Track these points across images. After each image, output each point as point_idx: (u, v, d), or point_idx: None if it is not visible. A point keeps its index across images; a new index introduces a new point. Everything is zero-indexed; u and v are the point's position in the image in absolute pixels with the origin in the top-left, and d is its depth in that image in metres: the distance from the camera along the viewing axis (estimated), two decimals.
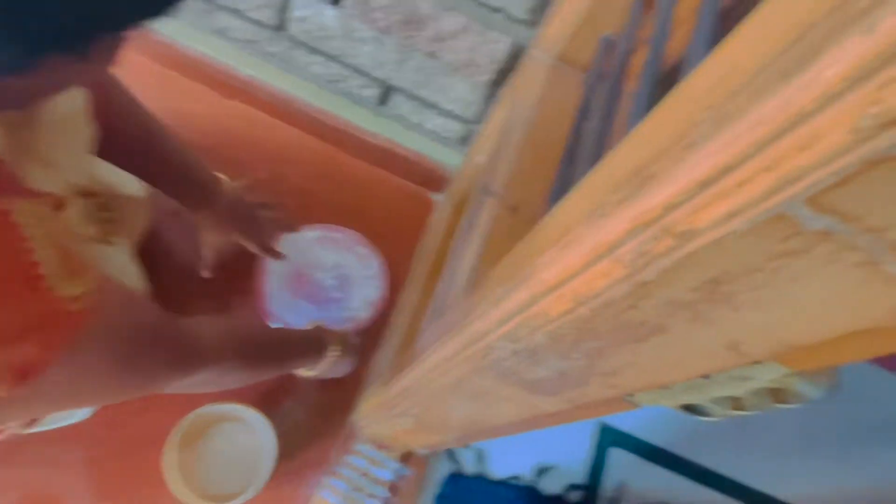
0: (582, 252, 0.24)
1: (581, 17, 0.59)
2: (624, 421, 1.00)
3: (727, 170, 0.17)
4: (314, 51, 0.88)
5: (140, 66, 0.99)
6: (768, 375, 0.27)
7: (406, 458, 0.85)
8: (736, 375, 0.28)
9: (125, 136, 0.67)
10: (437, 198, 1.05)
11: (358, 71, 0.89)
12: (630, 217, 0.21)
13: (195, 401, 0.80)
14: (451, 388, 0.45)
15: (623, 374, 0.29)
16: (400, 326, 0.87)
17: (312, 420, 0.87)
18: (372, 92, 0.92)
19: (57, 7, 0.27)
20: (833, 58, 0.13)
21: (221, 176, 0.78)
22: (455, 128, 0.93)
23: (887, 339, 0.19)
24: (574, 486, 0.94)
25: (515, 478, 0.92)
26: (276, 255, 0.86)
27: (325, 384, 0.90)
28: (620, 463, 0.97)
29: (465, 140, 0.95)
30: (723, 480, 0.99)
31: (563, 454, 0.96)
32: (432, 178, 1.02)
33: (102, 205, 0.64)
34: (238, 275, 0.92)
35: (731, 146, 0.16)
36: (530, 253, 0.29)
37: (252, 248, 0.83)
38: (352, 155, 1.01)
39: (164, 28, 0.95)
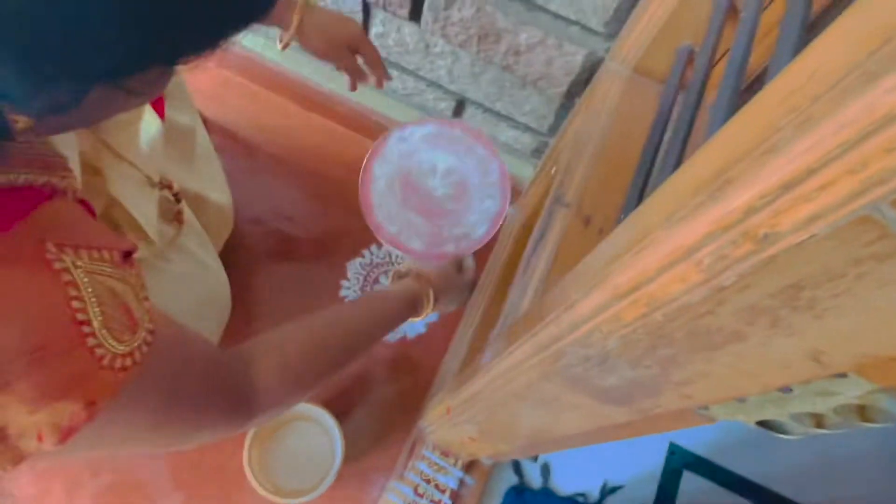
0: (658, 256, 0.24)
1: (658, 28, 0.59)
2: (696, 443, 0.96)
3: (810, 172, 0.17)
4: (391, 65, 0.91)
5: (226, 80, 1.05)
6: (854, 391, 0.26)
7: (470, 466, 0.86)
8: (818, 390, 0.28)
9: None
10: (509, 210, 1.05)
11: (433, 84, 0.91)
12: (709, 221, 0.21)
13: None
14: (519, 395, 0.45)
15: (697, 383, 0.29)
16: (467, 334, 0.88)
17: (381, 423, 0.89)
18: (447, 105, 0.94)
19: (111, 42, 0.27)
20: None
21: None
22: (528, 140, 0.94)
23: None
24: None
25: (581, 495, 0.91)
26: (382, 73, 0.76)
27: (394, 388, 0.92)
28: (692, 488, 0.94)
29: (537, 152, 0.96)
30: None
31: (632, 475, 0.93)
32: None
33: (176, 196, 0.68)
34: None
35: (814, 149, 0.16)
36: (605, 258, 0.30)
37: (345, 70, 0.75)
38: None
39: (249, 44, 1.01)
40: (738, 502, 0.94)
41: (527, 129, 0.91)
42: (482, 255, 1.00)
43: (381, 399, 0.91)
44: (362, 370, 0.92)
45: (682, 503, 0.92)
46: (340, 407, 0.88)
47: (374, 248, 0.99)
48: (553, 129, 0.89)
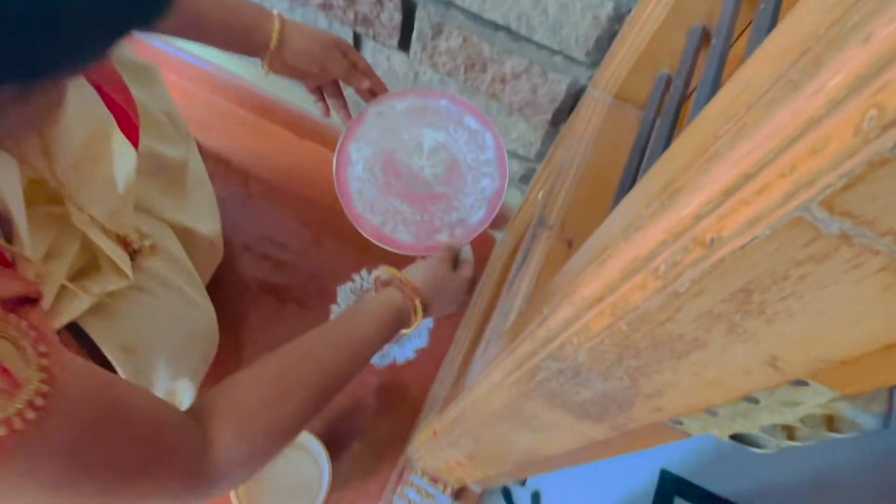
0: (619, 266, 0.25)
1: (637, 57, 0.60)
2: (687, 468, 0.96)
3: (747, 178, 0.18)
4: None
5: (224, 109, 1.07)
6: (815, 400, 0.27)
7: (459, 493, 0.85)
8: (783, 399, 0.28)
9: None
10: (498, 235, 1.06)
11: None
12: (662, 228, 0.22)
13: None
14: (500, 415, 0.45)
15: (666, 394, 0.30)
16: (455, 360, 0.88)
17: (370, 450, 0.89)
18: None
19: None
20: (835, 68, 0.14)
21: (275, 14, 0.65)
22: (516, 167, 0.95)
23: None
24: None
25: None
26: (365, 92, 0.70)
27: (383, 414, 0.91)
28: None
29: (525, 179, 0.97)
30: None
31: (623, 501, 0.93)
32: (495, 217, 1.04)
33: (133, 254, 0.61)
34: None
35: (750, 155, 0.17)
36: (573, 272, 0.31)
37: (327, 94, 0.72)
38: None
39: (244, 74, 1.03)
40: None
41: (514, 155, 0.93)
42: (482, 249, 1.01)
43: (370, 425, 0.91)
44: (351, 396, 0.92)
45: None
46: (329, 433, 0.87)
47: (364, 272, 1.00)
48: (540, 156, 0.90)
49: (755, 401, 0.29)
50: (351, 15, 0.80)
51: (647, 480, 0.94)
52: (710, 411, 0.31)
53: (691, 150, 0.21)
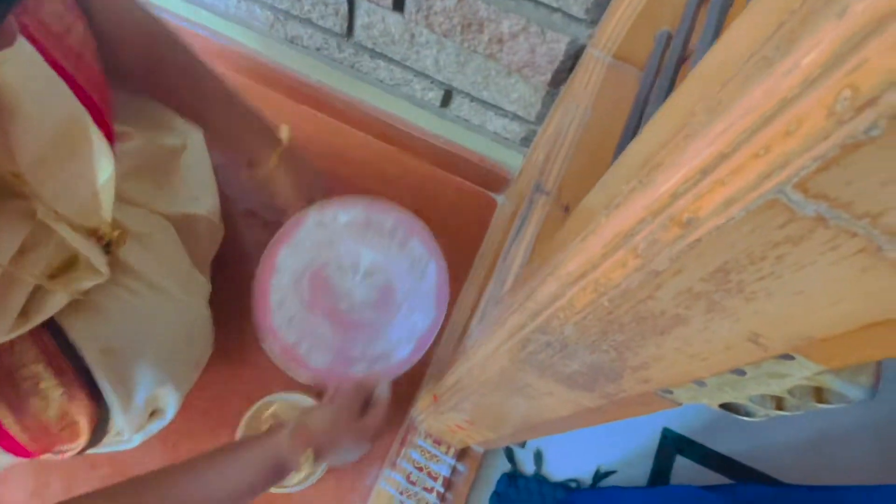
0: (601, 242, 0.24)
1: (637, 14, 0.58)
2: (689, 427, 0.97)
3: (722, 157, 0.17)
4: (378, 55, 0.91)
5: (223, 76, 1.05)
6: (801, 373, 0.27)
7: (462, 454, 0.87)
8: (769, 372, 0.28)
9: (169, 67, 0.63)
10: (500, 198, 1.06)
11: (420, 74, 0.91)
12: (641, 206, 0.21)
13: (266, 389, 0.84)
14: (495, 383, 0.46)
15: (652, 368, 0.30)
16: (457, 325, 0.89)
17: None
18: (434, 94, 0.94)
19: None
20: (809, 44, 0.14)
21: (282, 127, 0.69)
22: (516, 129, 0.94)
23: None
24: None
25: (574, 480, 0.91)
26: None
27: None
28: (685, 471, 0.94)
29: (526, 141, 0.96)
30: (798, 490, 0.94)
31: (625, 459, 0.94)
32: (495, 179, 1.03)
33: (106, 247, 0.59)
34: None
35: (724, 134, 0.17)
36: (559, 246, 0.30)
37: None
38: (416, 156, 1.04)
39: (240, 38, 1.01)
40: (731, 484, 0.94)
41: (515, 117, 0.91)
42: (472, 246, 1.00)
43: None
44: None
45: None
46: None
47: None
48: (540, 117, 0.88)
49: (742, 372, 0.29)
50: None
51: (648, 439, 0.95)
52: (699, 382, 0.31)
53: (670, 126, 0.20)
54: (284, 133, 0.71)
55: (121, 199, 0.60)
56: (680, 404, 0.36)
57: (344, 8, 0.85)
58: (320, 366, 0.64)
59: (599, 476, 0.92)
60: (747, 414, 0.35)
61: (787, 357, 0.26)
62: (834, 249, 0.17)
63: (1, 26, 0.34)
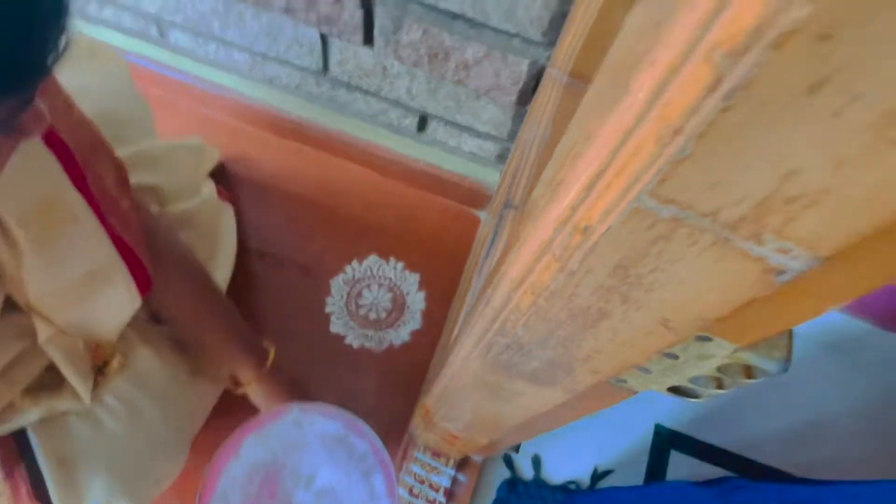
0: (530, 250, 0.28)
1: (587, 32, 0.63)
2: (680, 422, 1.00)
3: (599, 175, 0.21)
4: (354, 88, 0.96)
5: (209, 119, 1.10)
6: (721, 352, 0.30)
7: (462, 464, 0.89)
8: (698, 354, 0.32)
9: (176, 272, 0.64)
10: (482, 214, 1.10)
11: (395, 103, 0.96)
12: (553, 217, 0.25)
13: None
14: (472, 387, 0.49)
15: (596, 358, 0.33)
16: (447, 339, 0.92)
17: (375, 430, 0.93)
18: (410, 121, 0.99)
19: None
20: (639, 85, 0.18)
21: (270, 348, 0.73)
22: (491, 147, 0.98)
23: (774, 309, 0.23)
24: None
25: (573, 482, 0.94)
26: None
27: (384, 395, 0.96)
28: (681, 466, 0.97)
29: (501, 158, 1.00)
30: (788, 479, 0.97)
31: (621, 458, 0.97)
32: (476, 197, 1.07)
33: (101, 369, 0.59)
34: None
35: (599, 154, 0.21)
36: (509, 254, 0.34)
37: None
38: (398, 181, 1.08)
39: (223, 81, 1.06)
40: (724, 475, 0.97)
41: (488, 136, 0.96)
42: (458, 262, 1.04)
43: (373, 407, 0.95)
44: (352, 381, 0.96)
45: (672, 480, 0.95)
46: None
47: (354, 263, 1.03)
48: (512, 135, 0.93)
49: (675, 356, 0.32)
50: (313, 16, 0.82)
51: (642, 437, 0.98)
52: (642, 368, 0.35)
53: (569, 145, 0.24)
54: (271, 354, 0.72)
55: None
56: (636, 392, 0.39)
57: (318, 47, 0.90)
58: None
59: (597, 476, 0.95)
60: (694, 396, 0.38)
61: (706, 338, 0.29)
62: (694, 244, 0.20)
63: (27, 107, 0.32)
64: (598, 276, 0.25)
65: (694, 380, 0.36)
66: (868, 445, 1.00)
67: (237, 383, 0.71)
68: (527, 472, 0.94)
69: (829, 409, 1.01)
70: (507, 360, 0.39)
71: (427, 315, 1.02)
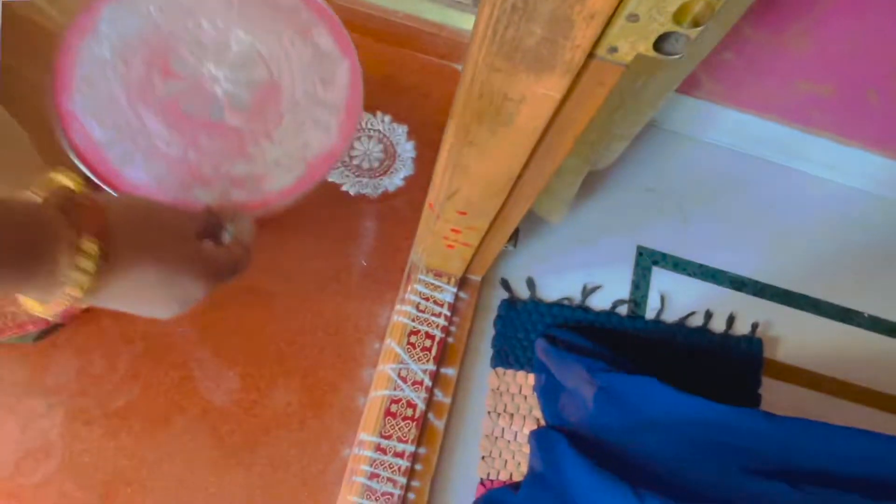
0: None
1: None
2: (659, 244, 1.08)
3: None
4: None
5: None
6: None
7: (462, 284, 0.96)
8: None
9: None
10: (461, 67, 1.14)
11: None
12: None
13: None
14: (477, 113, 0.54)
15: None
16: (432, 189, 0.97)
17: (379, 264, 0.99)
18: None
19: None
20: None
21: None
22: None
23: None
24: (621, 301, 1.03)
25: (567, 299, 1.02)
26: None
27: (383, 236, 1.01)
28: (661, 279, 1.05)
29: (478, 1, 1.03)
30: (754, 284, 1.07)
31: (607, 276, 1.04)
32: (454, 49, 1.10)
33: None
34: None
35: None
36: None
37: None
38: (378, 40, 1.11)
39: None
40: (700, 286, 1.06)
41: None
42: (441, 116, 1.09)
43: (375, 246, 1.00)
44: (350, 225, 1.01)
45: (654, 291, 1.04)
46: (336, 257, 0.97)
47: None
48: None
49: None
50: None
51: (625, 256, 1.06)
52: (631, 17, 0.40)
53: None
54: None
55: None
56: (626, 62, 0.45)
57: None
58: (143, 180, 0.45)
59: (587, 292, 1.02)
60: (674, 53, 0.44)
61: None
62: None
63: None
64: None
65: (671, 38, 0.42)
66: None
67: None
68: (523, 293, 1.01)
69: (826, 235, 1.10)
70: (512, 35, 0.43)
71: (418, 161, 1.06)
